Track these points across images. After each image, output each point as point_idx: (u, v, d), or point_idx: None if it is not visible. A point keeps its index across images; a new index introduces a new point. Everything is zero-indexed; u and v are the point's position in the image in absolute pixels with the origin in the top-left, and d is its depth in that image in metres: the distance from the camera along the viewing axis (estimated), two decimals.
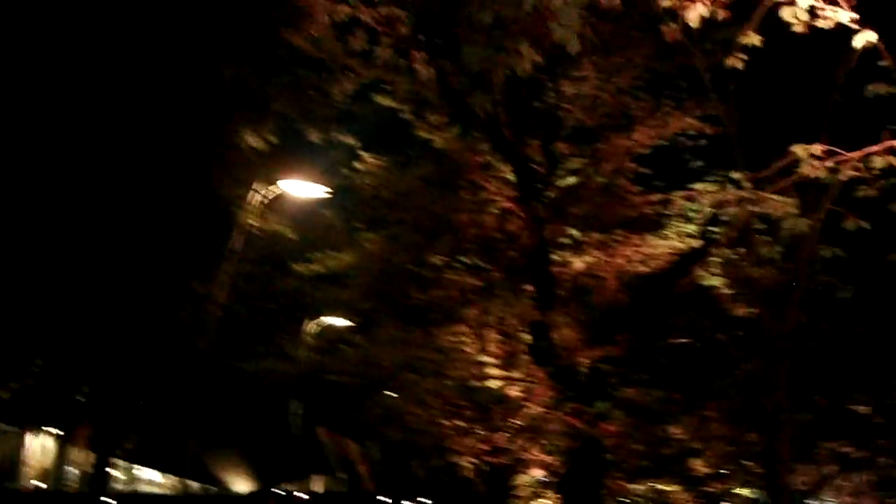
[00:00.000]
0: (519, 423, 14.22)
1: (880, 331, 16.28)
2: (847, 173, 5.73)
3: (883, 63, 5.40)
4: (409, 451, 43.72)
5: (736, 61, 5.72)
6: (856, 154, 5.66)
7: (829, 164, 5.72)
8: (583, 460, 11.29)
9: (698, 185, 16.46)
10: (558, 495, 13.90)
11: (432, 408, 20.02)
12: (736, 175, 5.89)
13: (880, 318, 15.74)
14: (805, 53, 9.69)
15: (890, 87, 5.43)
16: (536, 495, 18.34)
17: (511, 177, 13.61)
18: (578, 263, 13.90)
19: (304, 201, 17.73)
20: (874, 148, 5.55)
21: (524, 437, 14.26)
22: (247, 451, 38.18)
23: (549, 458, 14.21)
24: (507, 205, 13.72)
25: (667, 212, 16.49)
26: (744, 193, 5.93)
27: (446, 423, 20.72)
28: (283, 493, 36.50)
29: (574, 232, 14.56)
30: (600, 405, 9.50)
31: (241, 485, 38.95)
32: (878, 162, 5.62)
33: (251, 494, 35.33)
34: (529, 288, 13.44)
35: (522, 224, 13.69)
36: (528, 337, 13.59)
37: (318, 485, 45.07)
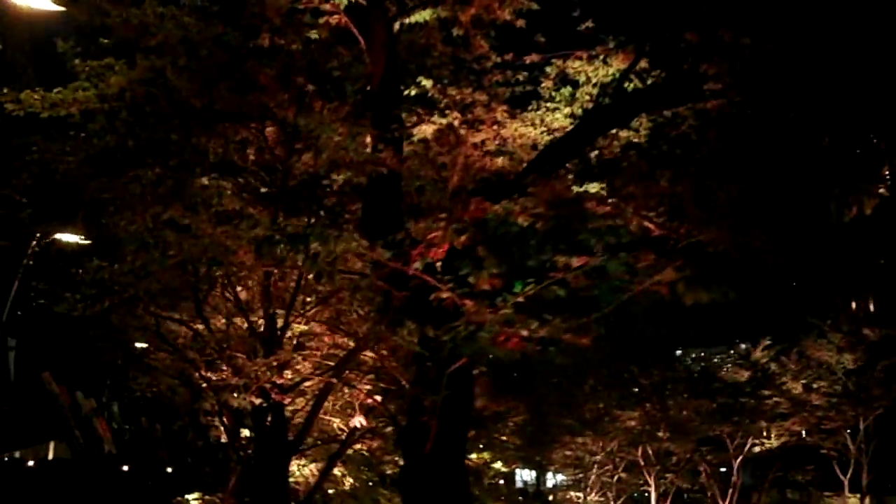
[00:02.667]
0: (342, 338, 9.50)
1: None
2: None
3: None
4: (155, 408, 37.84)
5: None
6: None
7: None
8: (457, 387, 6.84)
9: (577, 64, 12.59)
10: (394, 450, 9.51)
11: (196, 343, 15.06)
12: None
13: None
14: None
15: None
16: (331, 467, 13.68)
17: None
18: (428, 126, 9.51)
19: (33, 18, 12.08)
20: None
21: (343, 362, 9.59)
22: None
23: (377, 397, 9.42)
24: (339, 19, 8.95)
25: (539, 88, 12.52)
26: None
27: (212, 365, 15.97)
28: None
29: (425, 81, 10.14)
30: (522, 287, 5.01)
31: None
32: None
33: None
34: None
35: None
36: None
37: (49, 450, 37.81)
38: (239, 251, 8.84)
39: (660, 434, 40.85)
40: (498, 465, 68.00)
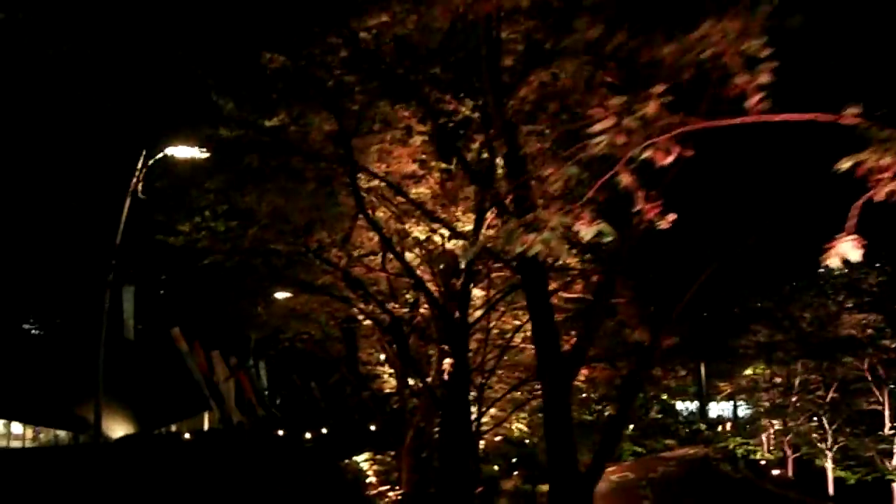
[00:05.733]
0: None
1: None
2: None
3: None
4: (307, 363, 34.26)
5: None
6: None
7: None
8: None
9: None
10: None
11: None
12: None
13: None
14: None
15: None
16: None
17: None
18: None
19: None
20: None
21: None
22: (119, 390, 27.51)
23: None
24: None
25: None
26: None
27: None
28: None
29: None
30: None
31: (119, 429, 28.55)
32: None
33: (122, 439, 26.00)
34: None
35: None
36: None
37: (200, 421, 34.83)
38: None
39: (886, 342, 34.51)
40: (664, 396, 63.86)
